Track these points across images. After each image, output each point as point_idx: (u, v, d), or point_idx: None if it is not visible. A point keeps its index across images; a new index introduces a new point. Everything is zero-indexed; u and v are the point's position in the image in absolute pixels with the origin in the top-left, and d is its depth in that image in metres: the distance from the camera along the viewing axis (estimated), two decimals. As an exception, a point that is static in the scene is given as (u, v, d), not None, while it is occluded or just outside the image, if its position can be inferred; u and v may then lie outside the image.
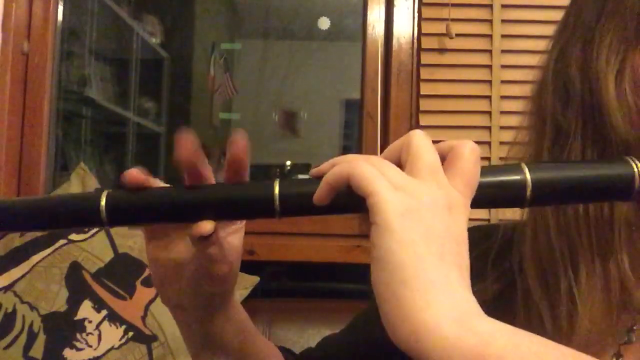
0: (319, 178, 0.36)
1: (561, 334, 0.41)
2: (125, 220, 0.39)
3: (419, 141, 0.35)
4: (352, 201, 0.34)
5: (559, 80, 0.45)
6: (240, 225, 0.46)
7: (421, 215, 0.31)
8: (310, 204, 0.36)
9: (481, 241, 0.33)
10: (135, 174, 0.38)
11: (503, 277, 0.48)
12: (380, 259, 0.31)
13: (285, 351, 0.57)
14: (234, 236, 0.45)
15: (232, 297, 0.48)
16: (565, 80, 0.45)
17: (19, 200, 0.40)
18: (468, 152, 0.35)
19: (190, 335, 0.49)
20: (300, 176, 1.63)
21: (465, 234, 0.33)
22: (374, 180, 0.32)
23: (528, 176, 0.36)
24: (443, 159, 0.35)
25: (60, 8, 1.43)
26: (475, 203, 0.35)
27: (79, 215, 0.39)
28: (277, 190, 0.36)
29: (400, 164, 0.35)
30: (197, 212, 0.38)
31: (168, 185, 0.41)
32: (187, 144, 0.38)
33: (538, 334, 0.29)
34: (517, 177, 0.36)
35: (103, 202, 0.37)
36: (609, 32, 0.42)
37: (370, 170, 0.33)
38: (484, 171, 0.36)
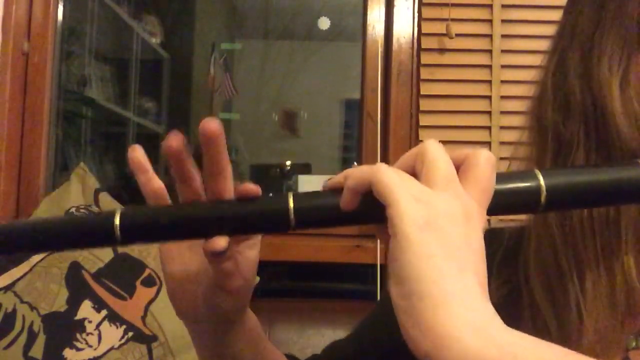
0: (332, 191, 0.36)
1: (569, 342, 0.41)
2: (139, 238, 0.39)
3: (434, 151, 0.34)
4: (368, 212, 0.35)
5: (559, 92, 0.45)
6: (256, 240, 0.45)
7: (439, 227, 0.31)
8: (325, 216, 0.36)
9: (487, 245, 0.33)
10: (175, 144, 0.37)
11: (508, 282, 0.48)
12: (399, 272, 0.31)
13: (291, 358, 0.57)
14: (250, 251, 0.45)
15: (246, 310, 0.48)
16: (565, 91, 0.44)
17: (30, 221, 0.40)
18: (483, 161, 0.34)
19: (203, 346, 0.49)
20: (300, 177, 1.63)
21: (482, 243, 0.33)
22: (397, 189, 0.32)
23: (542, 182, 0.36)
24: (457, 167, 0.35)
25: (60, 8, 1.43)
26: (490, 211, 0.35)
27: (92, 235, 0.38)
28: (291, 204, 0.36)
29: (414, 174, 0.35)
30: (211, 228, 0.38)
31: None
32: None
33: (544, 340, 0.29)
34: (532, 184, 0.36)
35: (117, 221, 0.37)
36: (610, 40, 0.42)
37: (393, 178, 0.32)
38: (498, 178, 0.36)
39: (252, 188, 0.37)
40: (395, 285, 0.31)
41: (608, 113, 0.41)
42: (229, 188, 0.40)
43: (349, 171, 0.36)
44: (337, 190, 0.36)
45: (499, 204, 0.35)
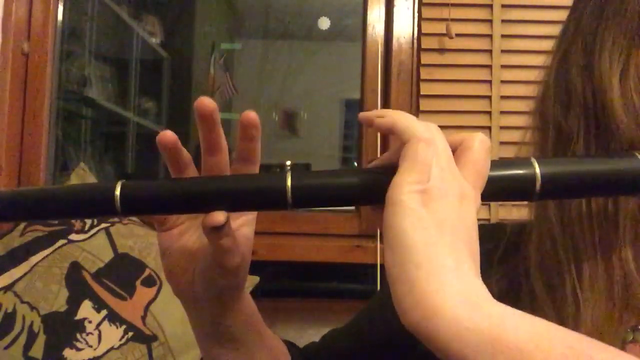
0: (331, 170, 0.38)
1: None
2: (138, 210, 0.40)
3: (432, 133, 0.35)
4: (363, 193, 0.35)
5: (561, 86, 0.46)
6: (252, 217, 0.46)
7: (435, 202, 0.32)
8: (323, 195, 0.37)
9: (487, 239, 0.34)
10: (170, 136, 0.40)
11: (508, 277, 0.48)
12: (394, 239, 0.31)
13: (289, 344, 0.57)
14: (246, 227, 0.45)
15: (243, 290, 0.48)
16: (567, 85, 0.45)
17: (33, 189, 0.40)
18: (478, 144, 0.35)
19: (200, 327, 0.49)
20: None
21: (476, 224, 0.33)
22: (415, 126, 0.34)
23: (537, 170, 0.36)
24: (453, 151, 0.36)
25: (60, 8, 1.43)
26: (485, 196, 0.35)
27: (93, 205, 0.39)
28: (289, 182, 0.37)
29: None
30: (210, 202, 0.38)
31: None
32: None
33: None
34: (527, 171, 0.36)
35: (118, 192, 0.38)
36: (611, 34, 0.43)
37: (412, 119, 0.35)
38: (494, 165, 0.36)
39: (252, 117, 0.40)
40: (390, 254, 0.31)
41: (607, 106, 0.42)
42: (225, 161, 0.43)
43: (386, 112, 0.38)
44: (336, 170, 0.37)
45: (495, 190, 0.36)
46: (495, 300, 0.30)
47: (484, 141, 0.36)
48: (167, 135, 0.40)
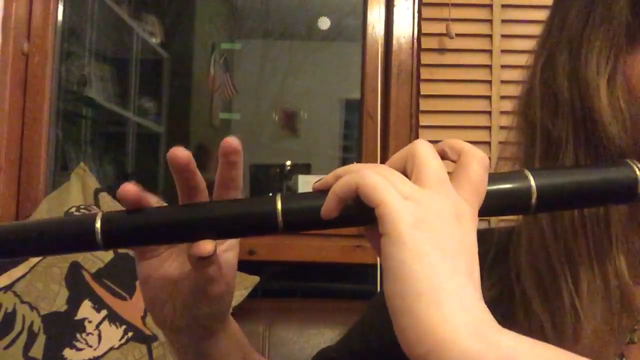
0: (322, 191, 0.35)
1: (564, 342, 0.41)
2: (122, 243, 0.38)
3: (424, 151, 0.34)
4: (358, 214, 0.34)
5: (547, 90, 0.45)
6: (235, 242, 0.44)
7: (432, 226, 0.31)
8: (314, 218, 0.35)
9: (477, 246, 0.33)
10: (131, 189, 0.37)
11: (499, 283, 0.47)
12: (393, 271, 0.30)
13: None
14: (229, 253, 0.44)
15: (228, 317, 0.47)
16: (554, 89, 0.44)
17: (10, 225, 0.38)
18: (476, 162, 0.34)
19: (184, 356, 0.48)
20: (300, 177, 1.63)
21: (475, 244, 0.32)
22: (384, 189, 0.31)
23: (533, 183, 0.35)
24: (444, 157, 0.35)
25: (60, 8, 1.43)
26: (480, 212, 0.35)
27: (73, 239, 0.37)
28: (279, 205, 0.35)
29: (405, 174, 0.34)
30: (197, 231, 0.36)
31: (165, 204, 0.39)
32: (182, 152, 0.38)
33: (540, 341, 0.29)
34: (522, 185, 0.36)
35: (98, 224, 0.36)
36: (598, 39, 0.42)
37: (379, 180, 0.32)
38: (488, 179, 0.35)
39: (233, 143, 0.38)
40: (390, 284, 0.30)
41: (595, 113, 0.41)
42: (205, 198, 0.41)
43: (339, 171, 0.36)
44: (326, 191, 0.35)
45: (490, 205, 0.35)
46: (500, 327, 0.29)
47: (482, 159, 0.35)
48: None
